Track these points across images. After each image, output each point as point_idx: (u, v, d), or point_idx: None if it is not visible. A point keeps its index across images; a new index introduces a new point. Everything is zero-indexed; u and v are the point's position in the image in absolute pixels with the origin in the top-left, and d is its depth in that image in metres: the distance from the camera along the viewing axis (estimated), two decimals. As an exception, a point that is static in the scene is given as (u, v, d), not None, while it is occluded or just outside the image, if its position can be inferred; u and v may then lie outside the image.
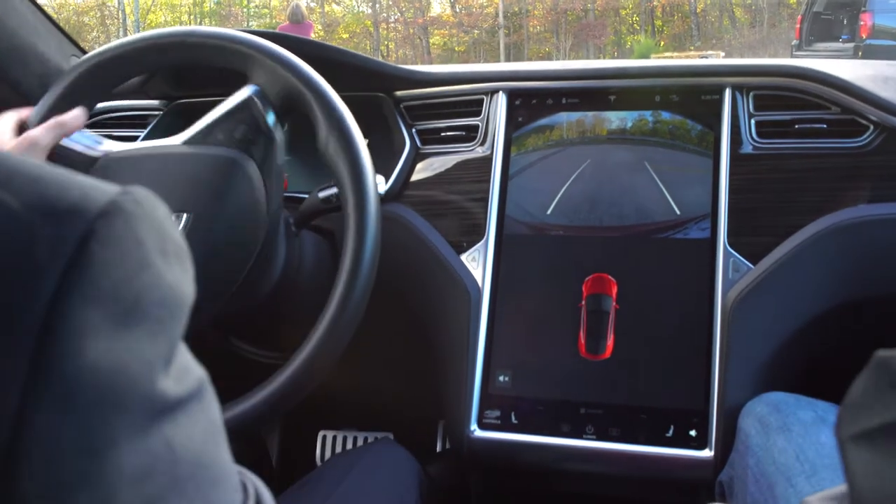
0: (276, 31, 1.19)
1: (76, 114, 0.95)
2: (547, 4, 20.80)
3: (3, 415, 0.30)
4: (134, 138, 1.36)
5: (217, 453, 0.40)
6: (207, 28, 1.00)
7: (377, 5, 22.18)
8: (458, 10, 21.89)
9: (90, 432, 0.32)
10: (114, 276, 0.33)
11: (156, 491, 0.34)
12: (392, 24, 22.33)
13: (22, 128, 0.99)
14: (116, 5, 20.57)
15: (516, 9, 20.76)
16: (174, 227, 0.39)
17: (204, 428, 0.38)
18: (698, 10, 20.56)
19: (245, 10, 22.50)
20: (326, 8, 22.39)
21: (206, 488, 0.38)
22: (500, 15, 20.18)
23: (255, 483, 0.47)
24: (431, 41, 21.67)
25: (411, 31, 21.77)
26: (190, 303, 0.39)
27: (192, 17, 22.24)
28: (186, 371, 0.38)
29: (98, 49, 1.03)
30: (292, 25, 10.51)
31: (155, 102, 1.41)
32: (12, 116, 1.00)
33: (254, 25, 21.06)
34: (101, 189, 0.35)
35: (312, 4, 21.92)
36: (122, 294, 0.33)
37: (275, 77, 0.96)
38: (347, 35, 21.34)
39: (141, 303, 0.34)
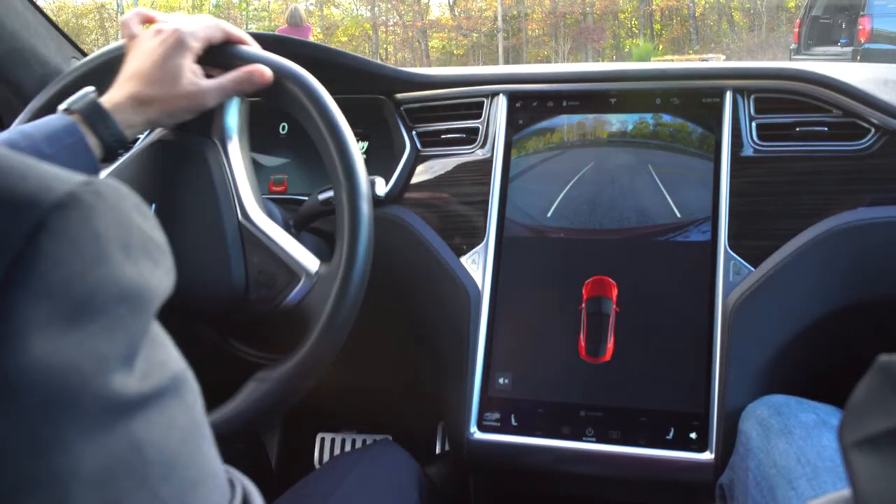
0: (276, 33, 1.18)
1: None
2: (546, 8, 20.82)
3: None
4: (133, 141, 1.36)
5: (197, 452, 0.38)
6: None
7: (376, 8, 22.19)
8: (457, 13, 21.92)
9: (36, 433, 0.31)
10: (65, 270, 0.32)
11: (120, 494, 0.33)
12: (391, 28, 22.34)
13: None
14: (115, 8, 20.57)
15: (515, 12, 20.77)
16: (145, 218, 0.37)
17: (182, 426, 0.37)
18: (697, 14, 20.55)
19: (244, 12, 22.58)
20: (325, 11, 22.46)
21: (183, 490, 0.36)
22: (499, 18, 20.20)
23: (244, 482, 0.45)
24: (430, 44, 21.68)
25: (410, 34, 21.80)
26: (160, 297, 0.37)
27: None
28: (159, 366, 0.36)
29: (97, 52, 1.04)
30: (291, 28, 10.55)
31: None
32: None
33: (252, 28, 21.13)
34: (61, 179, 0.34)
35: (311, 7, 22.02)
36: (73, 289, 0.32)
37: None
38: (346, 38, 21.37)
39: (96, 298, 0.33)
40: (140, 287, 0.35)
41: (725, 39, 19.87)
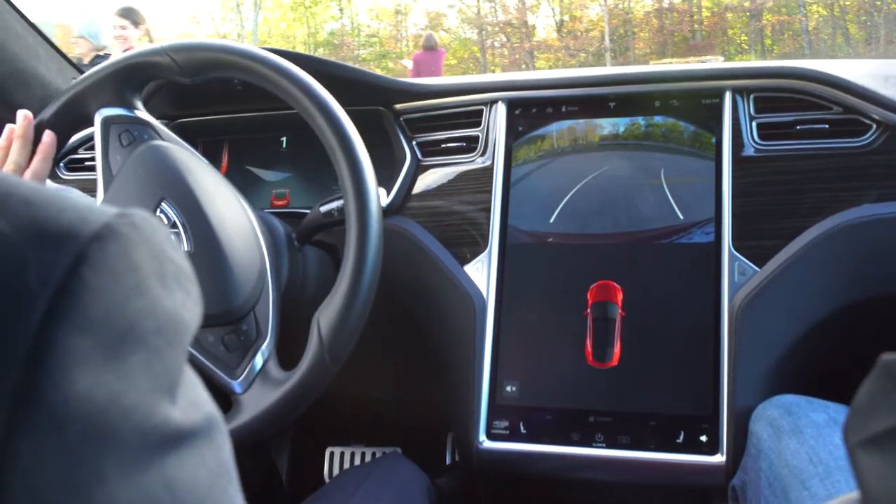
0: (278, 48, 1.19)
1: (48, 140, 1.03)
2: (653, 26, 20.63)
3: None
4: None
5: (224, 496, 0.37)
6: (204, 40, 1.01)
7: (483, 31, 22.34)
8: (563, 33, 21.86)
9: (77, 467, 0.30)
10: (106, 302, 0.32)
11: None
12: (498, 50, 22.44)
13: (38, 129, 1.05)
14: (237, 38, 21.62)
15: (622, 31, 20.65)
16: (175, 250, 0.37)
17: (211, 469, 0.36)
18: (810, 28, 19.81)
19: (356, 39, 23.19)
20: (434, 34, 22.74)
21: None
22: (607, 38, 20.05)
23: None
24: (537, 65, 21.74)
25: (517, 56, 21.85)
26: (193, 329, 0.37)
27: (307, 46, 23.13)
28: (195, 405, 0.36)
29: (90, 70, 1.05)
30: (426, 52, 11.00)
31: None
32: (21, 132, 1.02)
33: (363, 54, 21.68)
34: (96, 211, 0.34)
35: (421, 32, 22.25)
36: (114, 321, 0.32)
37: (284, 95, 0.97)
38: (455, 61, 21.61)
39: (135, 330, 0.33)
40: (176, 318, 0.35)
41: (840, 54, 19.09)
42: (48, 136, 1.03)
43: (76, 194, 1.24)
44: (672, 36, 20.32)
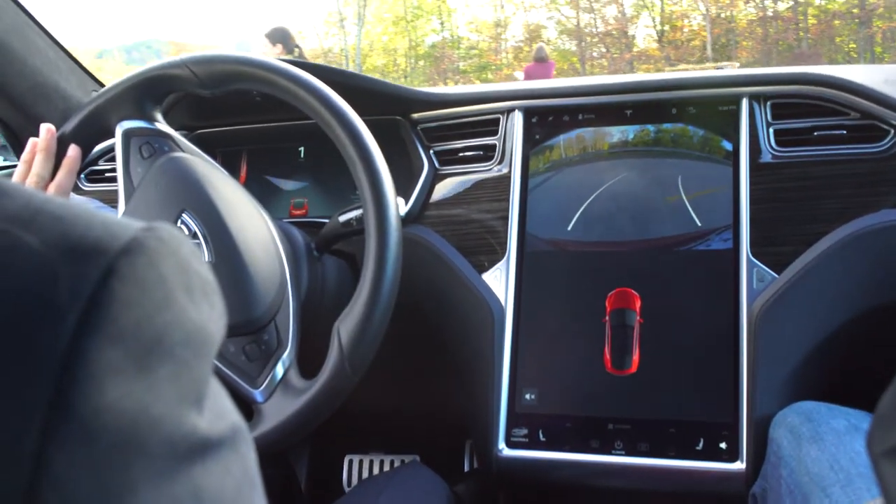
0: (296, 59, 1.20)
1: (73, 153, 1.04)
2: (757, 35, 20.14)
3: (22, 457, 0.30)
4: None
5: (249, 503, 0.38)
6: (221, 53, 1.02)
7: (583, 42, 22.23)
8: (664, 43, 21.59)
9: (109, 476, 0.31)
10: (135, 314, 0.32)
11: None
12: (597, 60, 22.23)
13: (60, 142, 1.05)
14: (340, 52, 22.18)
15: (724, 40, 20.25)
16: (200, 262, 0.38)
17: (237, 478, 0.37)
18: None
19: (457, 51, 23.45)
20: (534, 46, 22.70)
21: None
22: (709, 47, 19.69)
23: None
24: None
25: (617, 66, 21.68)
26: (218, 340, 0.38)
27: (407, 59, 23.69)
28: (220, 415, 0.37)
29: (111, 83, 1.06)
30: (537, 64, 11.39)
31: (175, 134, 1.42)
32: (45, 145, 1.03)
33: (463, 66, 21.89)
34: (124, 226, 0.34)
35: (520, 44, 22.55)
36: (143, 333, 0.32)
37: (302, 105, 0.97)
38: (556, 72, 21.62)
39: (164, 342, 0.33)
40: (203, 330, 0.36)
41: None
42: (73, 150, 1.04)
43: (98, 206, 1.26)
44: (777, 45, 19.78)
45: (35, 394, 0.30)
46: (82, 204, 0.35)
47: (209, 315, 0.37)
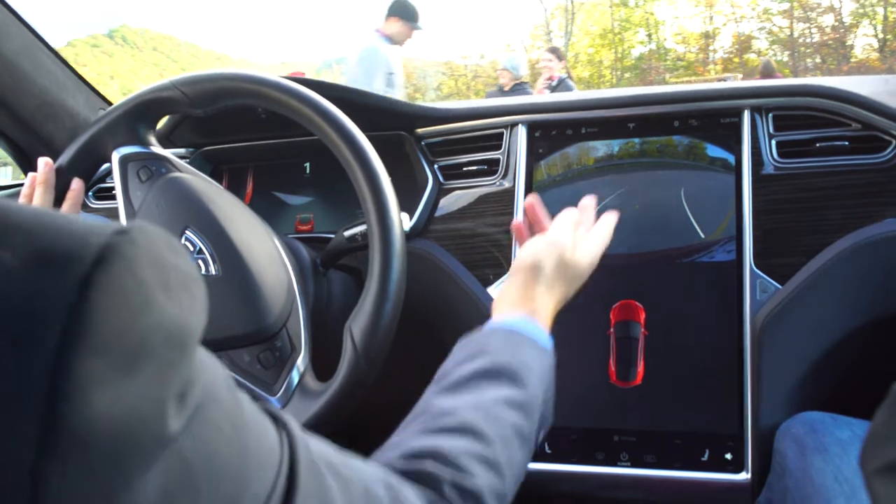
0: (300, 75, 1.21)
1: (76, 187, 1.06)
2: None
3: (20, 473, 0.30)
4: None
5: (237, 444, 0.40)
6: (212, 70, 1.03)
7: (796, 53, 21.66)
8: (886, 53, 20.33)
9: (106, 480, 0.32)
10: (116, 323, 0.33)
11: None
12: (811, 72, 21.43)
13: (59, 174, 1.06)
14: (464, 67, 22.85)
15: None
16: (177, 254, 0.38)
17: (224, 428, 0.38)
18: None
19: (663, 63, 23.23)
20: (744, 57, 22.35)
21: (225, 486, 0.38)
22: None
23: (287, 424, 0.48)
24: None
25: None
26: (199, 330, 0.38)
27: (613, 71, 23.46)
28: (197, 382, 0.38)
29: (116, 104, 1.07)
30: (764, 79, 11.54)
31: (182, 150, 1.43)
32: (44, 178, 1.04)
33: (670, 77, 21.56)
34: (96, 232, 0.34)
35: (729, 55, 22.20)
36: (126, 339, 0.33)
37: (302, 120, 0.98)
38: None
39: (146, 344, 0.34)
40: (183, 325, 0.36)
41: None
42: (76, 184, 1.06)
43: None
44: None
45: (25, 411, 0.30)
46: (55, 214, 0.35)
47: (190, 307, 0.37)
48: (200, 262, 0.97)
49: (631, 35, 24.40)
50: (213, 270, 0.97)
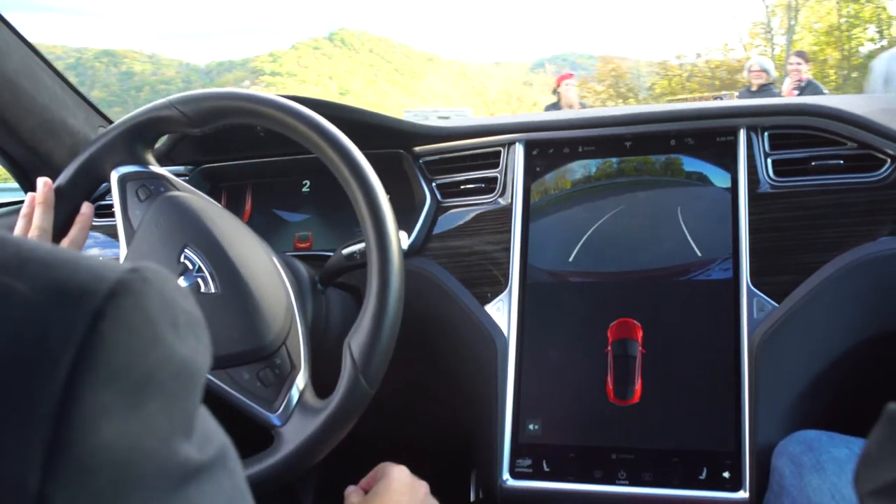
0: (297, 95, 1.21)
1: (86, 211, 1.07)
2: None
3: (26, 497, 0.31)
4: None
5: None
6: (229, 89, 1.03)
7: None
8: None
9: None
10: (125, 355, 0.33)
11: None
12: None
13: (58, 194, 1.06)
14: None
15: None
16: (186, 298, 0.39)
17: (228, 494, 0.39)
18: None
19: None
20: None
21: None
22: None
23: None
24: None
25: None
26: (205, 372, 0.39)
27: (838, 70, 22.47)
28: (209, 438, 0.39)
29: (120, 119, 1.08)
30: None
31: (180, 168, 1.44)
32: (43, 198, 1.04)
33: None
34: (109, 269, 0.35)
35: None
36: (134, 372, 0.34)
37: (300, 139, 0.99)
38: None
39: (154, 379, 0.35)
40: (190, 364, 0.37)
41: None
42: (86, 208, 1.07)
43: (104, 240, 1.27)
44: None
45: (33, 438, 0.31)
46: (69, 250, 0.37)
47: (196, 348, 0.38)
48: (200, 280, 0.97)
49: (860, 32, 22.88)
50: (212, 289, 0.97)
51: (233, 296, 0.97)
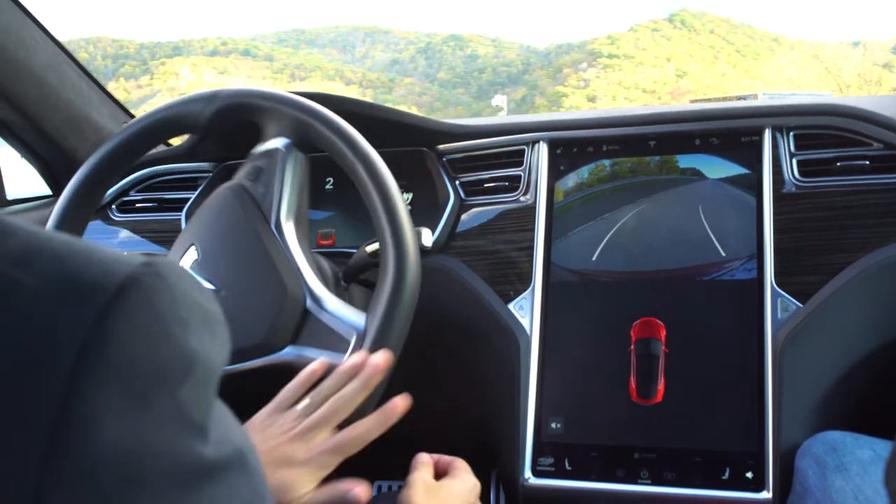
0: (317, 92, 1.22)
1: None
2: None
3: (22, 495, 0.30)
4: (185, 200, 1.40)
5: None
6: (247, 87, 1.04)
7: None
8: None
9: None
10: (132, 353, 0.33)
11: None
12: None
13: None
14: None
15: None
16: (201, 292, 0.38)
17: (246, 498, 0.38)
18: None
19: None
20: None
21: None
22: None
23: None
24: None
25: None
26: (220, 368, 0.38)
27: None
28: (226, 438, 0.37)
29: (141, 115, 1.08)
30: None
31: (205, 165, 1.45)
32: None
33: None
34: (121, 263, 0.35)
35: None
36: (141, 370, 0.33)
37: (312, 134, 0.99)
38: None
39: (163, 377, 0.34)
40: (203, 360, 0.36)
41: None
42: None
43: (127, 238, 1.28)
44: None
45: (31, 435, 0.31)
46: (85, 241, 0.36)
47: (210, 344, 0.37)
48: (199, 278, 0.98)
49: None
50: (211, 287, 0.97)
51: (236, 293, 0.98)
